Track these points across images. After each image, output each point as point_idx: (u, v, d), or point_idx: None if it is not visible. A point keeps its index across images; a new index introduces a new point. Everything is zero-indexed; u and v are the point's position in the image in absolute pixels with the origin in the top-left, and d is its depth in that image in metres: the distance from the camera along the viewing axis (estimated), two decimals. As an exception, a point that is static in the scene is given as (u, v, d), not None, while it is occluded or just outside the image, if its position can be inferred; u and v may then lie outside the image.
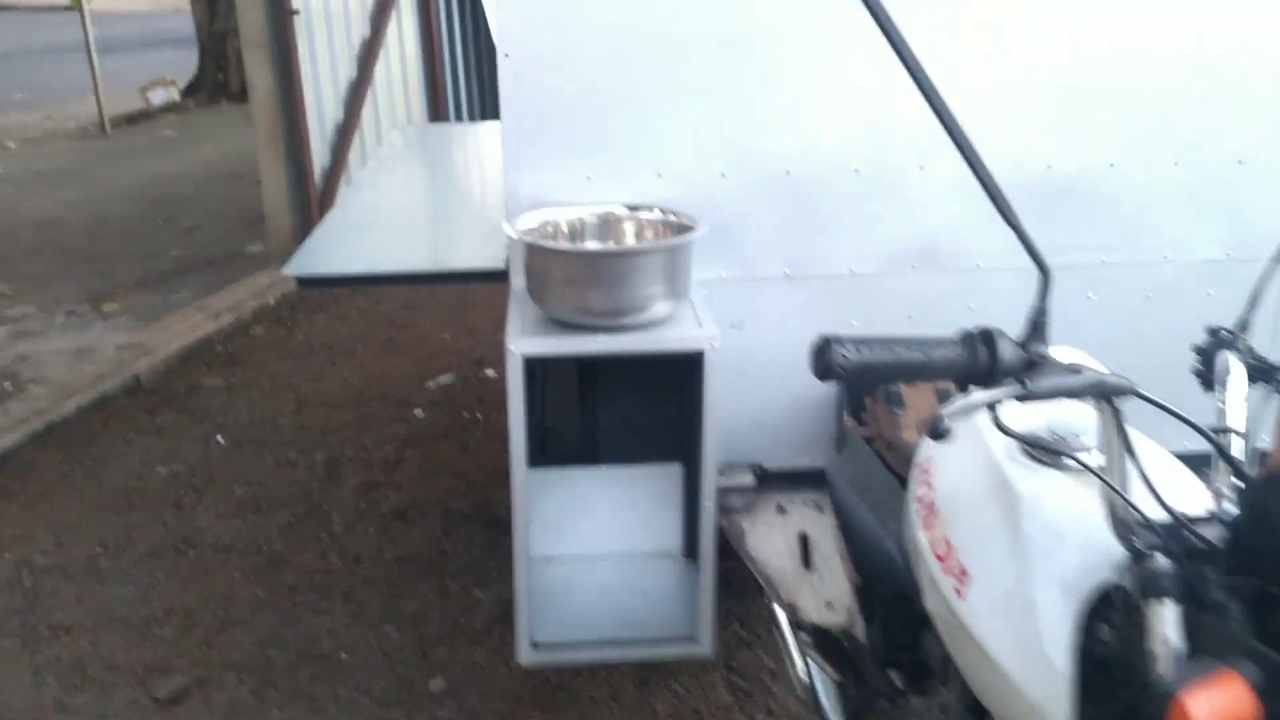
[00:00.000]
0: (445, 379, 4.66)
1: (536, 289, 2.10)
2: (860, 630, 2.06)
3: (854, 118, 2.25)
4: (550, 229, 2.21)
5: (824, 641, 2.18)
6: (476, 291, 5.43)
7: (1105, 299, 2.38)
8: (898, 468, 2.11)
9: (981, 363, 1.21)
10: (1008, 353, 1.21)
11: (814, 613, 2.22)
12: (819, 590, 2.26)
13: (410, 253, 2.69)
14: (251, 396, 4.54)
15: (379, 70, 6.55)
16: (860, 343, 1.19)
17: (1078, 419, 1.46)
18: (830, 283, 2.34)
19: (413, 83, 7.07)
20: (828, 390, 2.41)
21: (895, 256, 2.33)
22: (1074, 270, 2.34)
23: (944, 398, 2.20)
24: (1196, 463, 1.43)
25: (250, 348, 5.14)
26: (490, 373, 4.70)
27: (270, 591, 3.15)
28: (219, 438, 4.15)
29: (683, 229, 2.14)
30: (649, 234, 2.22)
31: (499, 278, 2.51)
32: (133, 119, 10.97)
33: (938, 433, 1.10)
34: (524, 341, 2.02)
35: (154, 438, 4.17)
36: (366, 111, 6.47)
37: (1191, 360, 1.48)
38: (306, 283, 2.46)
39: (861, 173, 2.28)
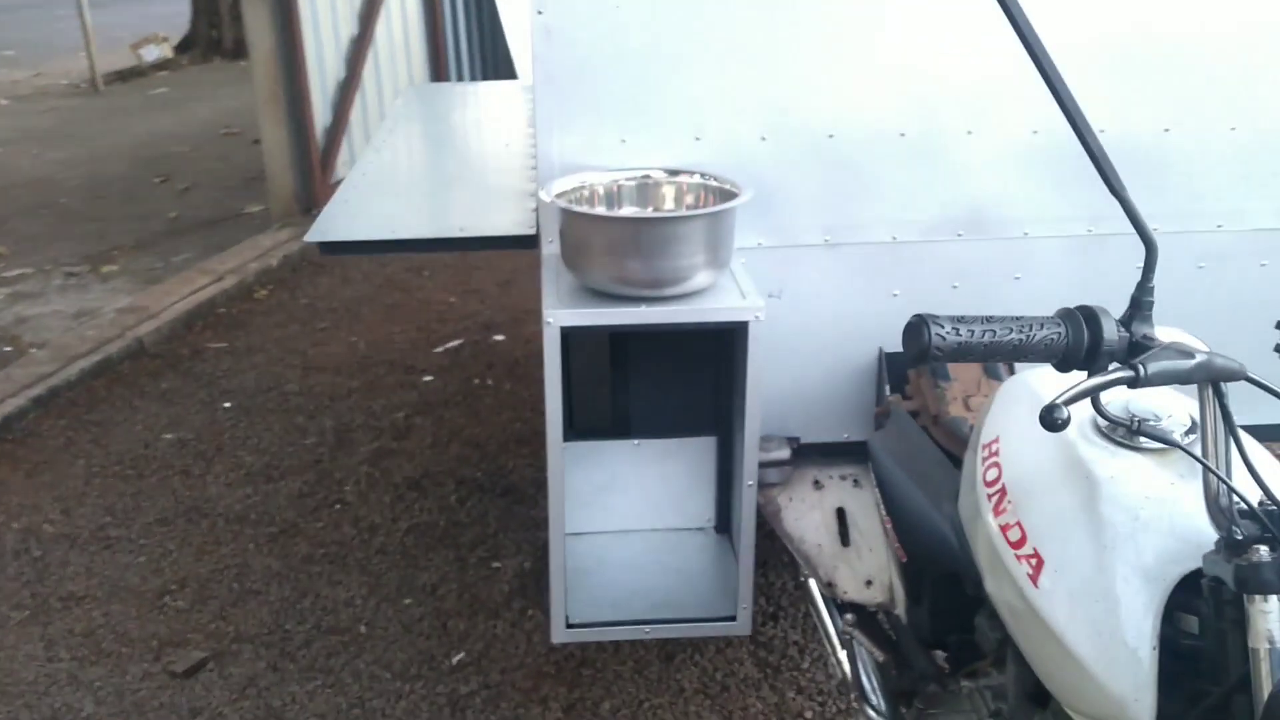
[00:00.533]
0: (453, 343, 4.58)
1: (573, 257, 2.02)
2: (902, 609, 2.00)
3: (900, 79, 2.16)
4: (586, 193, 2.12)
5: (863, 620, 2.13)
6: (478, 254, 5.33)
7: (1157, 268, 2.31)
8: (943, 443, 2.05)
9: (1084, 344, 1.14)
10: (1111, 334, 1.15)
11: (853, 591, 2.16)
12: (857, 568, 2.20)
13: (433, 218, 2.60)
14: (257, 361, 4.46)
15: (380, 28, 6.41)
16: (957, 322, 1.12)
17: (1156, 399, 1.40)
18: (872, 251, 2.26)
19: (414, 41, 6.94)
20: (866, 362, 2.34)
21: (940, 224, 2.25)
22: (1124, 238, 2.25)
23: (991, 373, 2.14)
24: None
25: (254, 311, 5.05)
26: (499, 337, 4.62)
27: (284, 562, 3.09)
28: (225, 403, 4.07)
29: (725, 194, 2.05)
30: (690, 199, 2.14)
31: (526, 244, 2.42)
32: (125, 76, 10.79)
33: (1054, 422, 1.03)
34: (562, 313, 1.94)
35: (159, 403, 4.09)
36: (368, 70, 6.34)
37: (1247, 331, 1.41)
38: (330, 249, 2.37)
39: (907, 136, 2.19)
